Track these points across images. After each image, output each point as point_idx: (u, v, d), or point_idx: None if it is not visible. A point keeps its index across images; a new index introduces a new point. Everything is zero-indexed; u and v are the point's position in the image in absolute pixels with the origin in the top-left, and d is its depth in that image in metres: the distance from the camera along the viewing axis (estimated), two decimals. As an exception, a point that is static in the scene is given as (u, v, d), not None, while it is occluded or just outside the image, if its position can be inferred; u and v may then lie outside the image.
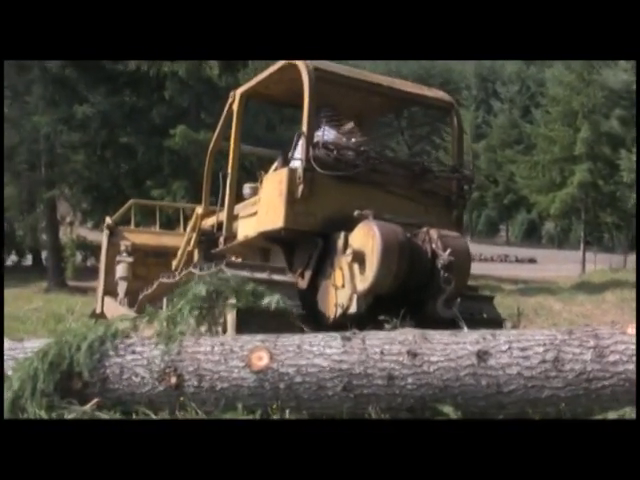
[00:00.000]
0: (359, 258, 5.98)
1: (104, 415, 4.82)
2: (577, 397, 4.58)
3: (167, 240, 10.41)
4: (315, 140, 6.57)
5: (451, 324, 5.62)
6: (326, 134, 6.94)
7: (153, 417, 4.76)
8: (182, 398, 4.84)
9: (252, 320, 5.62)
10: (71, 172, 29.16)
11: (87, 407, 4.88)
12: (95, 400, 4.95)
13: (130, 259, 10.13)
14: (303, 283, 6.49)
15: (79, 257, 31.20)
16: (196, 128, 25.32)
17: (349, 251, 6.05)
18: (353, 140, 7.07)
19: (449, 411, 4.51)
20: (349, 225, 6.23)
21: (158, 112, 27.77)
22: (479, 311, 6.69)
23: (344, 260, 6.13)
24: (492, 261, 50.44)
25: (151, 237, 10.81)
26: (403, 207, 6.71)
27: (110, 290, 10.27)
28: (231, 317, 5.77)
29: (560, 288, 23.54)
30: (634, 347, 4.63)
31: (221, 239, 7.65)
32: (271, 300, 5.69)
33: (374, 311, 5.73)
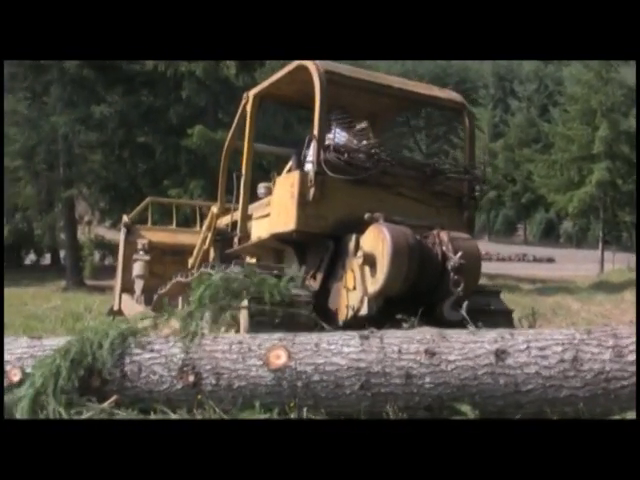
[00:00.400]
0: (370, 261, 6.01)
1: (122, 413, 4.85)
2: (595, 397, 4.56)
3: (184, 238, 10.45)
4: (326, 143, 6.59)
5: (459, 326, 5.62)
6: (337, 136, 7.02)
7: (172, 416, 4.78)
8: (200, 396, 4.87)
9: (264, 313, 5.72)
10: (89, 172, 29.27)
11: (105, 405, 4.91)
12: (113, 398, 4.98)
13: (147, 257, 10.23)
14: (315, 284, 6.52)
15: (97, 256, 31.36)
16: (213, 127, 25.40)
17: (360, 254, 6.07)
18: (364, 142, 7.08)
19: (467, 410, 4.51)
20: (360, 228, 6.26)
21: (175, 112, 27.82)
22: (487, 304, 6.73)
23: (355, 262, 6.16)
24: (510, 260, 50.34)
25: (168, 235, 10.87)
26: (414, 209, 6.73)
27: (127, 288, 10.35)
28: (243, 310, 5.86)
29: (578, 287, 23.47)
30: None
31: (235, 239, 7.72)
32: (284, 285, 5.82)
33: (385, 313, 5.74)
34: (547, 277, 32.25)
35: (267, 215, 7.19)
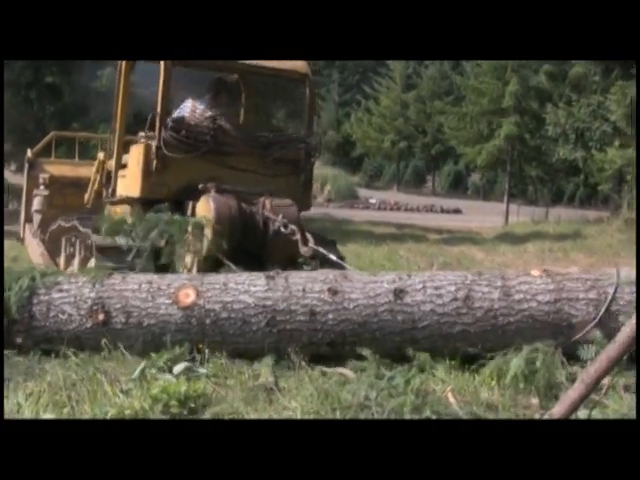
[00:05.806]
0: (199, 227, 6.57)
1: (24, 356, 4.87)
2: (485, 332, 4.96)
3: (85, 171, 10.69)
4: (167, 121, 7.16)
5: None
6: (181, 110, 7.76)
7: (80, 355, 4.80)
8: (109, 335, 4.96)
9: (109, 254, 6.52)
10: (-7, 112, 28.35)
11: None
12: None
13: (45, 192, 10.73)
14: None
15: None
16: (124, 71, 24.87)
17: (192, 220, 6.66)
18: (208, 114, 7.66)
19: (367, 354, 4.74)
20: (198, 195, 6.91)
21: (85, 53, 27.07)
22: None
23: (189, 228, 6.69)
24: (418, 211, 51.01)
25: (69, 168, 11.32)
26: (249, 177, 7.40)
27: (30, 219, 10.96)
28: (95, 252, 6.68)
29: (483, 238, 23.97)
30: (537, 287, 5.07)
31: (110, 189, 8.26)
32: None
33: (218, 271, 6.12)
34: (454, 228, 32.84)
35: (125, 176, 7.82)
